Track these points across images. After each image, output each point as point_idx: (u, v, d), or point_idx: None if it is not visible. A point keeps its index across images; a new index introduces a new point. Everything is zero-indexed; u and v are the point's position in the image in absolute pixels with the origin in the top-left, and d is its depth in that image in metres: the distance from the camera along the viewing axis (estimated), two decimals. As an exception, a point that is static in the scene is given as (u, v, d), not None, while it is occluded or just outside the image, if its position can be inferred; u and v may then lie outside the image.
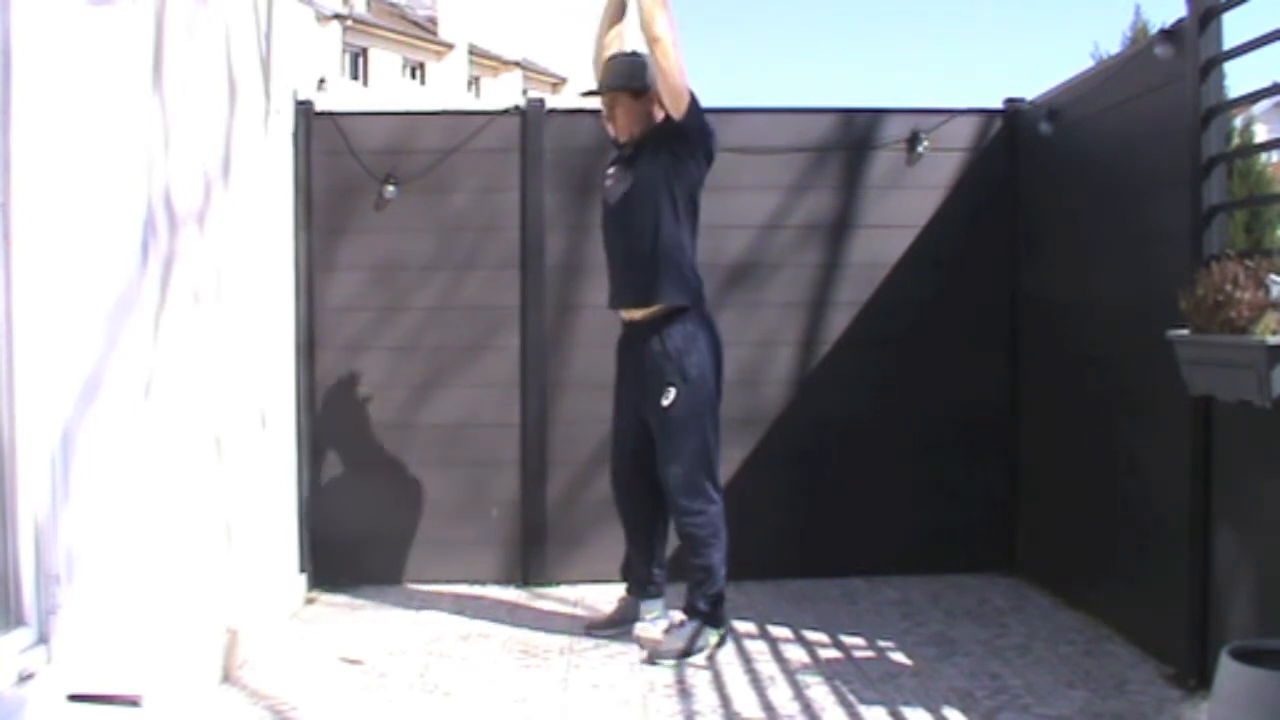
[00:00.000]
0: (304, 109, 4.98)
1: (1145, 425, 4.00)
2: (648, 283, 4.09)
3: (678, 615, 4.25)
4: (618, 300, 4.22)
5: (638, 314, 4.15)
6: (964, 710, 3.51)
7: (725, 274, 5.04)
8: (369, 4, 40.79)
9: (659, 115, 4.15)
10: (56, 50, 3.19)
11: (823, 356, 5.16)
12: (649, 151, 4.12)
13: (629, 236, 4.13)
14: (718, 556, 4.11)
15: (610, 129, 4.26)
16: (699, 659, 4.03)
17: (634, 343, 4.18)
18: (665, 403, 4.06)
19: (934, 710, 3.52)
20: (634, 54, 4.20)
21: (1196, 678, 3.54)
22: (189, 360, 3.72)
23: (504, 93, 40.41)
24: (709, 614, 4.11)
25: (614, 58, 4.23)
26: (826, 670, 3.92)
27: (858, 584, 4.99)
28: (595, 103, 4.36)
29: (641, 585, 4.36)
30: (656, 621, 4.36)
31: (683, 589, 4.20)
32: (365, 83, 37.96)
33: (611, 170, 4.27)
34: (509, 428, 5.09)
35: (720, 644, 4.12)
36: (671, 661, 3.99)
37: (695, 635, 4.07)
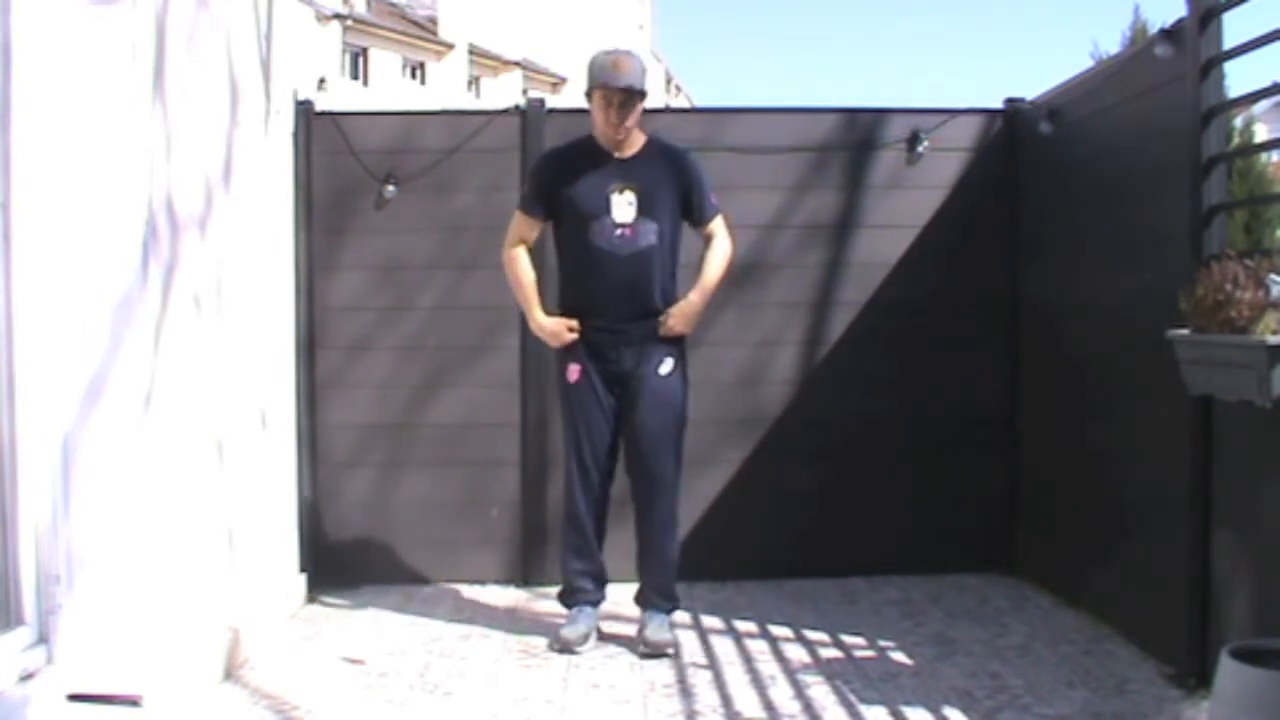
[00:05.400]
0: (304, 109, 4.98)
1: (1145, 425, 4.00)
2: (661, 294, 4.17)
3: (655, 616, 4.22)
4: (622, 316, 4.12)
5: (637, 323, 4.14)
6: (964, 710, 3.51)
7: (726, 274, 5.02)
8: (369, 4, 40.79)
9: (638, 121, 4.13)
10: (57, 51, 3.20)
11: (823, 356, 5.16)
12: (659, 172, 4.13)
13: (642, 266, 4.12)
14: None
15: (609, 130, 4.07)
16: (699, 658, 4.04)
17: (620, 342, 4.14)
18: (664, 371, 4.09)
19: (934, 710, 3.52)
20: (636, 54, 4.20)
21: (1196, 678, 3.54)
22: (189, 361, 3.72)
23: (504, 93, 40.42)
24: (676, 599, 4.26)
25: (632, 57, 4.07)
26: (827, 670, 3.92)
27: (858, 584, 5.00)
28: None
29: (595, 593, 4.33)
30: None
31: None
32: (365, 83, 37.97)
33: (611, 185, 4.11)
34: (509, 428, 5.10)
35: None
36: (672, 651, 4.04)
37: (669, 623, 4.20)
